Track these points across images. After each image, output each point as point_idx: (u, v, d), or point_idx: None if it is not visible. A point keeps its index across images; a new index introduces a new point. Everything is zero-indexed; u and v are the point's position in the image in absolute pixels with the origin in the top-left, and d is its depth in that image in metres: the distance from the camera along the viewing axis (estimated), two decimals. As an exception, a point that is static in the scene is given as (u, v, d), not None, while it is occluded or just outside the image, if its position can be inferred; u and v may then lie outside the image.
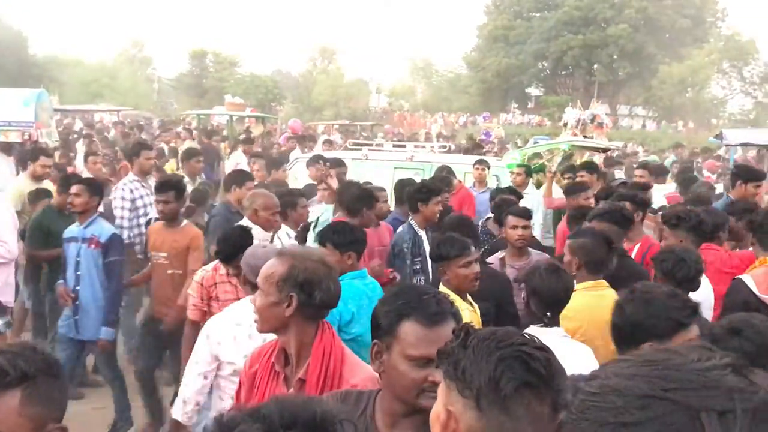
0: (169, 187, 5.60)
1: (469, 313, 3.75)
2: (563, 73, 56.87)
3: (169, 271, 5.60)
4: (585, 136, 12.14)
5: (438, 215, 5.67)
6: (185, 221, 5.84)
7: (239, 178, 6.89)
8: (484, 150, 15.19)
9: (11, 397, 1.67)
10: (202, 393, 3.48)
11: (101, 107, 32.41)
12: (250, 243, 4.10)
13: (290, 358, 2.47)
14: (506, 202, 6.16)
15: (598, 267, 3.87)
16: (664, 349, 0.93)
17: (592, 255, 3.87)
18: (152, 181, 7.13)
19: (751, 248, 4.59)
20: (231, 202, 6.57)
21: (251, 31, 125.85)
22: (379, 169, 8.88)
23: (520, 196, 7.07)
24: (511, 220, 5.21)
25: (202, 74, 60.32)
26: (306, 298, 2.40)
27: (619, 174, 11.68)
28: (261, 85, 52.77)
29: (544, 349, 1.39)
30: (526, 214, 5.28)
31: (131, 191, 6.81)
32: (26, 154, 7.96)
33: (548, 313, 3.27)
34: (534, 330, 3.29)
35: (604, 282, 3.86)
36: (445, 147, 11.63)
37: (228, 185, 6.84)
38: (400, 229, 5.70)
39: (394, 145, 11.28)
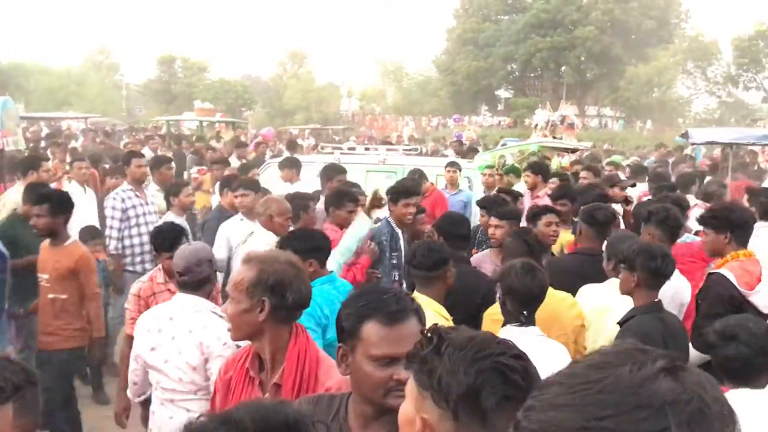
0: (43, 199, 5.02)
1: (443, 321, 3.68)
2: (532, 75, 57.38)
3: (50, 296, 5.04)
4: (554, 137, 12.27)
5: (410, 217, 5.69)
6: (72, 239, 5.25)
7: (231, 182, 7.00)
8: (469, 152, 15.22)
9: (6, 411, 1.68)
10: (136, 374, 3.72)
11: (68, 114, 31.94)
12: (181, 236, 4.39)
13: (265, 363, 2.45)
14: (495, 201, 6.10)
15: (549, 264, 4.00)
16: (596, 364, 0.91)
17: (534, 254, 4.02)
18: (148, 190, 7.23)
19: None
20: (224, 206, 6.63)
21: (220, 36, 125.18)
22: (351, 172, 8.89)
23: (516, 197, 7.08)
24: (492, 220, 5.27)
25: (171, 80, 59.81)
26: (278, 301, 2.39)
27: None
28: (231, 90, 52.51)
29: (521, 357, 1.39)
30: (502, 214, 5.27)
31: (123, 200, 6.69)
32: (26, 163, 7.44)
33: (524, 312, 3.30)
34: (510, 329, 3.32)
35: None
36: (416, 150, 11.68)
37: (221, 189, 6.87)
38: (378, 224, 5.76)
39: (366, 149, 11.31)
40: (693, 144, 11.49)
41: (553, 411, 0.88)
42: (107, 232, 6.60)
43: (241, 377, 2.49)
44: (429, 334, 1.43)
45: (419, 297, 3.58)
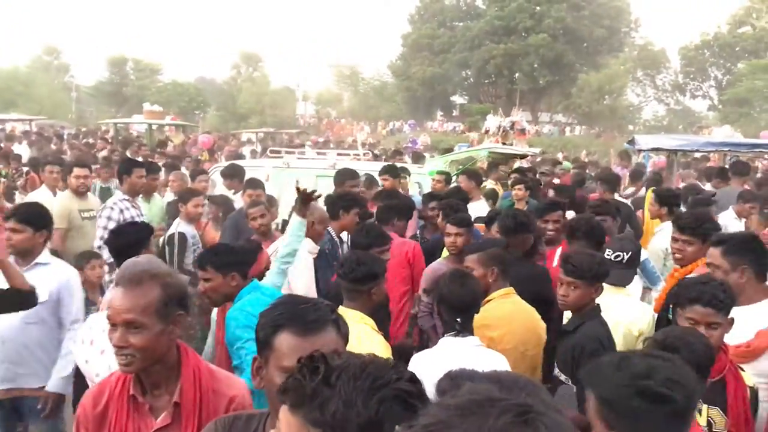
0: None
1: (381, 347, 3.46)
2: (486, 81, 57.96)
3: None
4: (504, 143, 12.38)
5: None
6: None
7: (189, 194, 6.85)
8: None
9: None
10: None
11: (12, 116, 31.02)
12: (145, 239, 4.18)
13: (146, 386, 2.30)
14: (451, 207, 6.04)
15: (507, 274, 3.92)
16: (460, 406, 0.88)
17: (506, 263, 3.93)
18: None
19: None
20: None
21: (173, 37, 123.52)
22: (301, 177, 8.79)
23: (466, 201, 7.03)
24: (447, 227, 5.21)
25: (123, 82, 58.75)
26: (185, 314, 2.32)
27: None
28: (184, 92, 51.80)
29: (415, 379, 1.33)
30: (462, 221, 5.23)
31: (121, 211, 6.33)
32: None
33: (458, 320, 3.27)
34: (449, 340, 3.28)
35: (512, 289, 3.91)
36: (368, 154, 11.64)
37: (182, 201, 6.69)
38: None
39: (317, 153, 11.23)
40: (639, 150, 11.68)
41: None
42: (97, 242, 6.16)
43: (122, 406, 2.29)
44: (313, 363, 1.32)
45: (346, 311, 3.42)
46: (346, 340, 1.94)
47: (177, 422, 2.25)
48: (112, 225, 6.02)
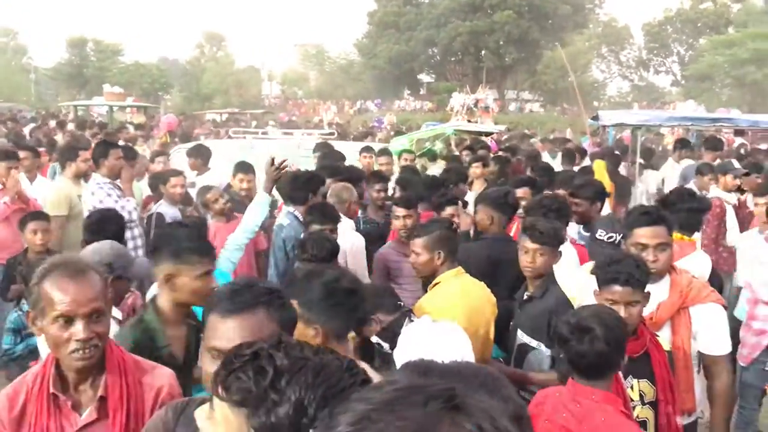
0: None
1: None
2: (453, 59, 57.88)
3: None
4: (470, 121, 12.38)
5: None
6: None
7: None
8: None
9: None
10: None
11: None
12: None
13: (68, 382, 2.19)
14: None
15: (455, 254, 3.90)
16: (383, 402, 0.82)
17: (453, 244, 3.91)
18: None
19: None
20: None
21: (134, 17, 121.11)
22: (265, 158, 8.70)
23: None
24: (395, 209, 5.13)
25: (83, 63, 57.47)
26: None
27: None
28: (146, 73, 50.92)
29: (368, 379, 1.30)
30: (409, 203, 5.16)
31: (108, 195, 6.03)
32: (63, 153, 6.87)
33: (401, 303, 3.30)
34: (408, 327, 3.22)
35: (462, 269, 3.90)
36: (333, 134, 11.56)
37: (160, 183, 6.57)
38: (286, 222, 5.30)
39: (282, 133, 11.11)
40: (603, 126, 11.77)
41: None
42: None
43: (41, 405, 2.16)
44: (257, 361, 1.26)
45: None
46: (290, 324, 1.91)
47: (103, 418, 2.15)
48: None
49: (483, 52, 54.54)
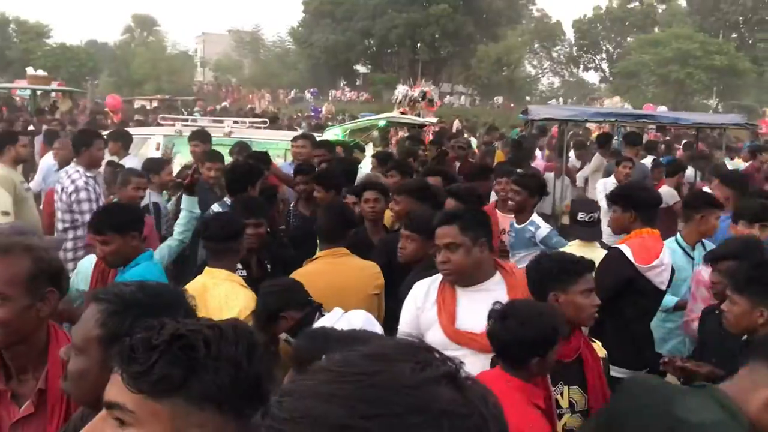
0: None
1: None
2: (389, 51, 57.99)
3: None
4: (403, 113, 12.44)
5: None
6: None
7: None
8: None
9: None
10: None
11: None
12: None
13: (11, 371, 2.11)
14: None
15: (337, 236, 4.10)
16: (377, 355, 0.81)
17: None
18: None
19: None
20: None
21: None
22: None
23: (353, 173, 6.86)
24: (365, 193, 5.09)
25: (5, 45, 54.98)
26: (59, 291, 2.14)
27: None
28: (73, 57, 49.13)
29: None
30: (377, 187, 5.19)
31: (87, 184, 5.75)
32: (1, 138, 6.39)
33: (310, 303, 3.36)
34: (318, 321, 3.21)
35: (344, 249, 4.07)
36: (265, 122, 11.42)
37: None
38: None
39: (212, 121, 10.91)
40: (533, 120, 12.02)
41: (313, 400, 0.77)
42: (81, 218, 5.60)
43: None
44: (186, 342, 1.21)
45: (213, 271, 3.61)
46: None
47: (42, 411, 2.05)
48: (93, 199, 5.68)
49: (419, 44, 54.84)
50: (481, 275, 3.16)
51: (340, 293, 3.68)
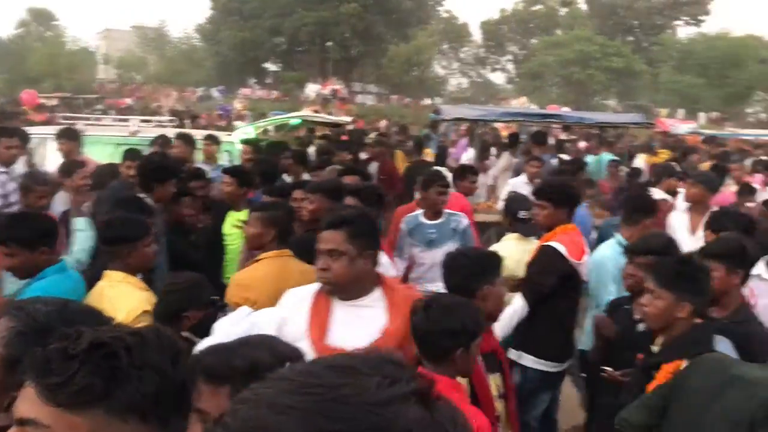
0: None
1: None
2: (299, 49, 57.58)
3: None
4: (329, 113, 12.37)
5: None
6: None
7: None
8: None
9: None
10: None
11: None
12: None
13: None
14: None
15: (286, 237, 3.99)
16: (343, 366, 0.76)
17: (285, 226, 3.99)
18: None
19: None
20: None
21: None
22: (98, 146, 8.19)
23: (274, 175, 6.84)
24: (294, 193, 5.10)
25: None
26: None
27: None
28: (-39, 51, 46.33)
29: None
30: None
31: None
32: None
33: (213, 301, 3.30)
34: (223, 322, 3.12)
35: (287, 251, 3.96)
36: (173, 121, 11.11)
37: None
38: None
39: (116, 119, 10.52)
40: (444, 120, 12.21)
41: (268, 410, 0.72)
42: None
43: None
44: (108, 351, 1.15)
45: (111, 273, 3.43)
46: None
47: None
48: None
49: (329, 43, 54.70)
50: (361, 289, 2.89)
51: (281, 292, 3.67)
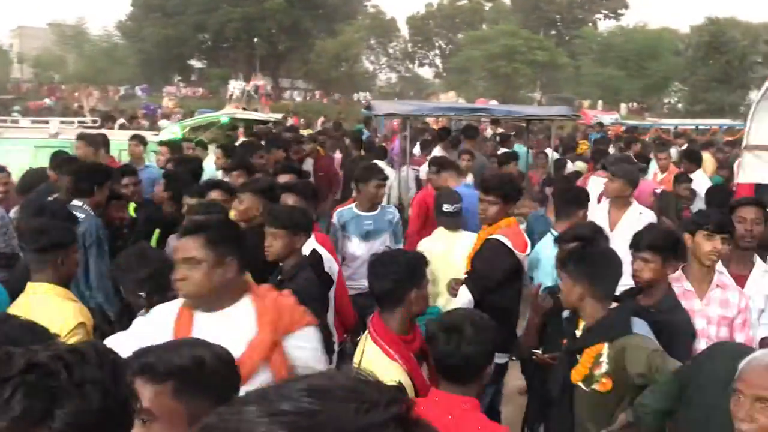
0: None
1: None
2: (225, 45, 56.64)
3: None
4: (245, 109, 12.15)
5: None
6: None
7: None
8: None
9: None
10: None
11: None
12: None
13: None
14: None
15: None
16: (315, 389, 0.72)
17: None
18: None
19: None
20: None
21: None
22: (15, 149, 7.84)
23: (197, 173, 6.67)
24: (211, 193, 5.01)
25: None
26: None
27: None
28: None
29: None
30: (222, 186, 5.18)
31: None
32: None
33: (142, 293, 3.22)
34: (139, 321, 3.00)
35: None
36: (96, 122, 10.72)
37: None
38: (81, 216, 4.87)
39: (35, 121, 10.08)
40: (376, 115, 12.18)
41: (242, 424, 0.68)
42: None
43: None
44: (47, 370, 1.11)
45: (35, 285, 3.23)
46: None
47: None
48: None
49: (255, 39, 54.00)
50: (225, 299, 2.69)
51: None
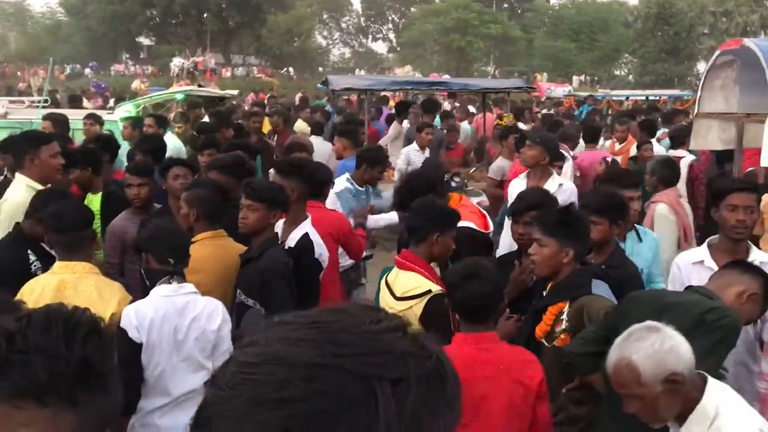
0: None
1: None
2: (174, 21, 55.40)
3: None
4: (199, 85, 11.97)
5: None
6: None
7: None
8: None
9: None
10: None
11: None
12: None
13: None
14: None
15: (216, 217, 3.92)
16: (333, 309, 0.86)
17: (210, 206, 3.89)
18: None
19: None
20: None
21: None
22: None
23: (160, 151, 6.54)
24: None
25: None
26: None
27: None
28: None
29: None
30: (143, 170, 4.83)
31: None
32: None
33: (171, 260, 3.15)
34: (163, 289, 3.09)
35: (223, 231, 3.93)
36: (47, 102, 10.43)
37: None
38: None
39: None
40: (333, 90, 12.13)
41: (281, 344, 0.79)
42: None
43: None
44: None
45: (72, 265, 3.28)
46: None
47: None
48: None
49: (205, 14, 52.93)
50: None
51: (226, 273, 3.76)
